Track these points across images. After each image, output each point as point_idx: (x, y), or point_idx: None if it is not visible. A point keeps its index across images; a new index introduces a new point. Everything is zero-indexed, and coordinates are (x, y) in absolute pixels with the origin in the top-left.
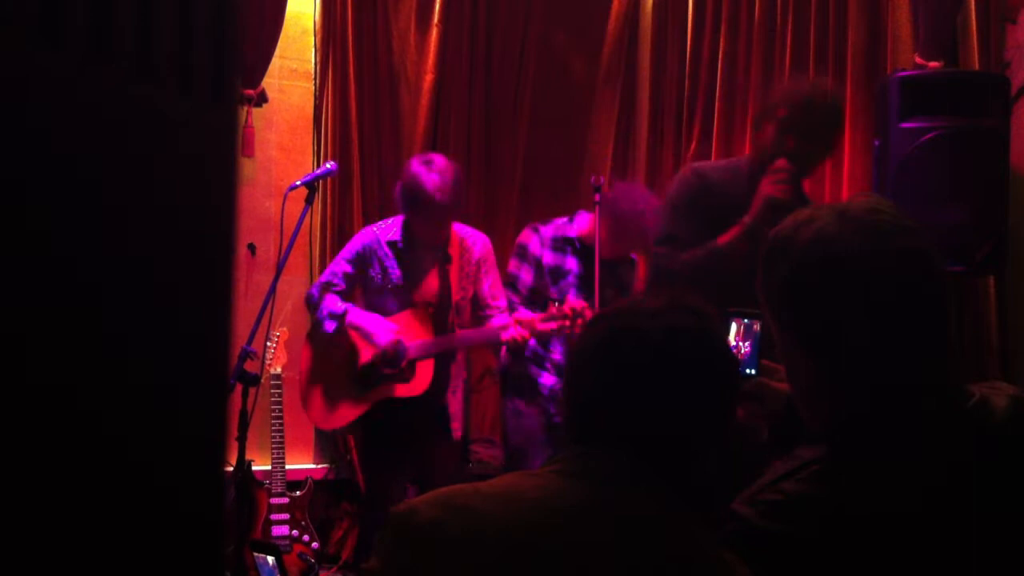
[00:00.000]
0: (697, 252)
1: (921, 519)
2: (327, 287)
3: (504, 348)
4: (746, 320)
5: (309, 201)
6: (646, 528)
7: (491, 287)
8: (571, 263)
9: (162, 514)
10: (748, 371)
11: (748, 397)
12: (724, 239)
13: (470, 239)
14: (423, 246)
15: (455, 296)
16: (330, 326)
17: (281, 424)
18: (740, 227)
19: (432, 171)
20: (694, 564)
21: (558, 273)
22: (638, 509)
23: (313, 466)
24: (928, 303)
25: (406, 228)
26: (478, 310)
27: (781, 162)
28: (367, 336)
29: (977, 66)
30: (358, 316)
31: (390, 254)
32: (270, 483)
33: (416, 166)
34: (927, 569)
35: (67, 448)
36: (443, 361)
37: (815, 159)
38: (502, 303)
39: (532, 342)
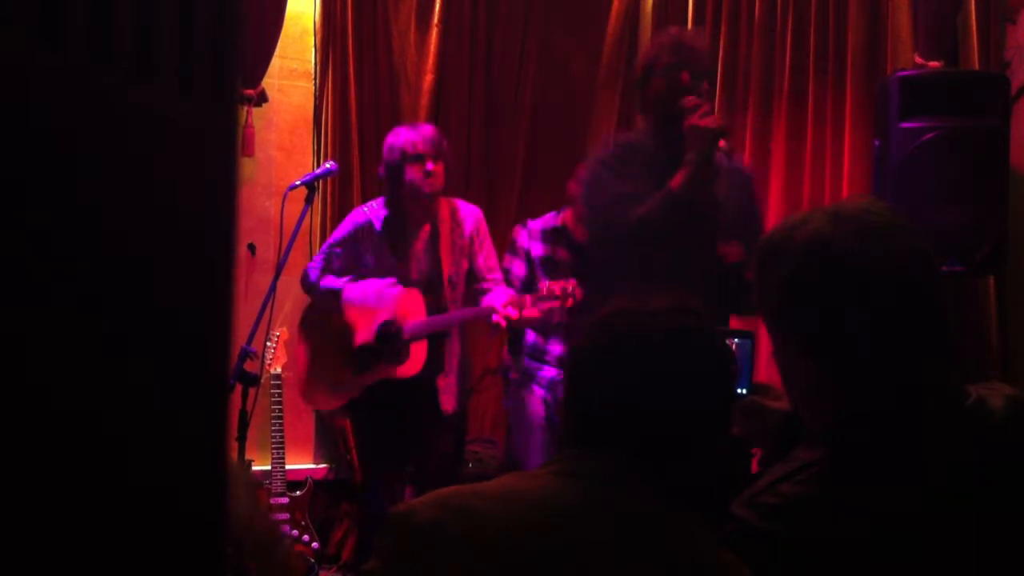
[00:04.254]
0: (651, 203)
1: (920, 519)
2: (324, 271)
3: (505, 348)
4: (736, 340)
5: (309, 201)
6: (646, 528)
7: (486, 259)
8: (561, 253)
9: (162, 514)
10: (739, 390)
11: (743, 415)
12: (676, 182)
13: (462, 211)
14: (411, 221)
15: (447, 271)
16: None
17: (281, 424)
18: (688, 165)
19: (415, 130)
20: (694, 564)
21: (549, 263)
22: (638, 509)
23: (313, 466)
24: (927, 302)
25: (394, 205)
26: (474, 283)
27: (689, 99)
28: (366, 311)
29: (977, 66)
30: (355, 291)
31: (382, 234)
32: (270, 483)
33: (399, 128)
34: (927, 570)
35: (67, 448)
36: (436, 341)
37: (702, 88)
38: (498, 275)
39: (531, 338)
